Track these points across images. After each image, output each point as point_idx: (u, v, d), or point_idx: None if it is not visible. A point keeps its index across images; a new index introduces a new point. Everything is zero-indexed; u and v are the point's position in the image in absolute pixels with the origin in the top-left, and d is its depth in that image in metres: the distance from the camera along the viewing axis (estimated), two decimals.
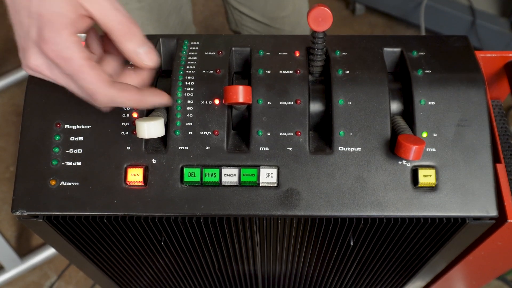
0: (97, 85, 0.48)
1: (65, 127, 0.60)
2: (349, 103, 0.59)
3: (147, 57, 0.51)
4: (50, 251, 1.54)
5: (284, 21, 1.07)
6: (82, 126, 0.59)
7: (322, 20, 0.55)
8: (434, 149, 0.59)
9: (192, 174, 0.58)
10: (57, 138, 0.59)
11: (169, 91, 0.60)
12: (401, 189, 0.58)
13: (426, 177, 0.58)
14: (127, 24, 0.49)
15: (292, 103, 0.60)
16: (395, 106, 0.61)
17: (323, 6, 0.55)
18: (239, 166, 0.58)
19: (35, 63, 0.47)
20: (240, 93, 0.55)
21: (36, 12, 0.45)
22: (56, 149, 0.59)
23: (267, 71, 0.61)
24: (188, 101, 0.60)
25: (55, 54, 0.46)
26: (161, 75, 0.64)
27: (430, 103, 0.59)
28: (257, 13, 1.06)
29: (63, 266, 1.54)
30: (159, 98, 0.55)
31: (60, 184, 0.58)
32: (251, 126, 0.59)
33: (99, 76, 0.48)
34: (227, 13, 1.12)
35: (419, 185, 0.58)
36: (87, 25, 0.49)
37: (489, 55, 0.73)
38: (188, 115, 0.59)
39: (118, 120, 0.59)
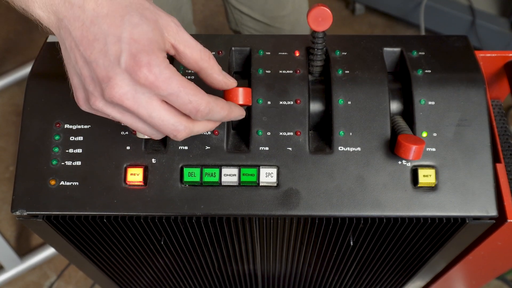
0: (200, 96, 0.47)
1: (65, 126, 0.60)
2: (349, 103, 0.59)
3: (231, 79, 0.53)
4: (49, 251, 1.54)
5: (284, 20, 1.08)
6: (82, 126, 0.59)
7: (322, 20, 0.55)
8: (434, 149, 0.59)
9: (192, 174, 0.58)
10: (57, 138, 0.59)
11: None
12: (401, 189, 0.58)
13: (426, 177, 0.58)
14: (207, 52, 0.50)
15: (292, 103, 0.60)
16: (395, 106, 0.61)
17: (323, 6, 0.55)
18: (239, 166, 0.58)
19: (122, 91, 0.45)
20: (240, 95, 0.55)
21: (129, 38, 0.44)
22: (56, 149, 0.59)
23: (267, 71, 0.61)
24: None
25: (154, 77, 0.45)
26: None
27: (430, 103, 0.59)
28: (257, 12, 1.06)
29: (62, 266, 1.54)
30: (240, 110, 0.55)
31: (60, 184, 0.58)
32: (251, 126, 0.59)
33: (198, 88, 0.48)
34: (227, 12, 1.12)
35: (419, 185, 0.58)
36: None
37: (489, 55, 0.74)
38: None
39: None
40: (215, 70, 0.51)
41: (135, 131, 0.58)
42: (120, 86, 0.45)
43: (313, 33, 0.59)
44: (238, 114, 0.54)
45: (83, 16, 0.45)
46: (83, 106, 0.49)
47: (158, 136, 0.51)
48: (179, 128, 0.49)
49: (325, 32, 0.58)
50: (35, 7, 0.46)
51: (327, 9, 0.55)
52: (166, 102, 0.47)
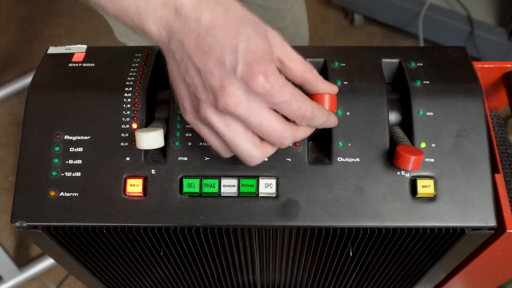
0: (307, 103, 0.49)
1: (65, 137, 0.60)
2: (348, 113, 0.60)
3: (334, 85, 0.55)
4: (48, 262, 1.53)
5: (283, 31, 1.08)
6: (82, 137, 0.60)
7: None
8: (432, 160, 0.59)
9: (191, 185, 0.58)
10: (56, 149, 0.59)
11: (168, 102, 0.60)
12: (400, 200, 0.58)
13: (425, 187, 0.58)
14: (309, 64, 0.52)
15: None
16: (393, 117, 0.62)
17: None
18: (238, 177, 0.58)
19: (236, 100, 0.46)
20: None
21: (245, 48, 0.46)
22: (56, 160, 0.59)
23: None
24: None
25: (271, 85, 0.46)
26: (160, 86, 0.65)
27: (428, 113, 0.60)
28: None
29: (61, 277, 1.54)
30: (335, 118, 0.55)
31: (60, 195, 0.58)
32: None
33: (304, 95, 0.49)
34: None
35: (417, 196, 0.58)
36: None
37: (487, 65, 0.74)
38: (187, 126, 0.60)
39: (117, 131, 0.59)
40: (319, 79, 0.53)
41: (135, 142, 0.58)
42: (236, 95, 0.46)
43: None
44: (334, 121, 0.55)
45: (199, 28, 0.46)
46: (188, 115, 0.50)
47: (254, 160, 0.51)
48: (286, 135, 0.50)
49: None
50: (149, 23, 0.47)
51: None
52: (273, 110, 0.49)
